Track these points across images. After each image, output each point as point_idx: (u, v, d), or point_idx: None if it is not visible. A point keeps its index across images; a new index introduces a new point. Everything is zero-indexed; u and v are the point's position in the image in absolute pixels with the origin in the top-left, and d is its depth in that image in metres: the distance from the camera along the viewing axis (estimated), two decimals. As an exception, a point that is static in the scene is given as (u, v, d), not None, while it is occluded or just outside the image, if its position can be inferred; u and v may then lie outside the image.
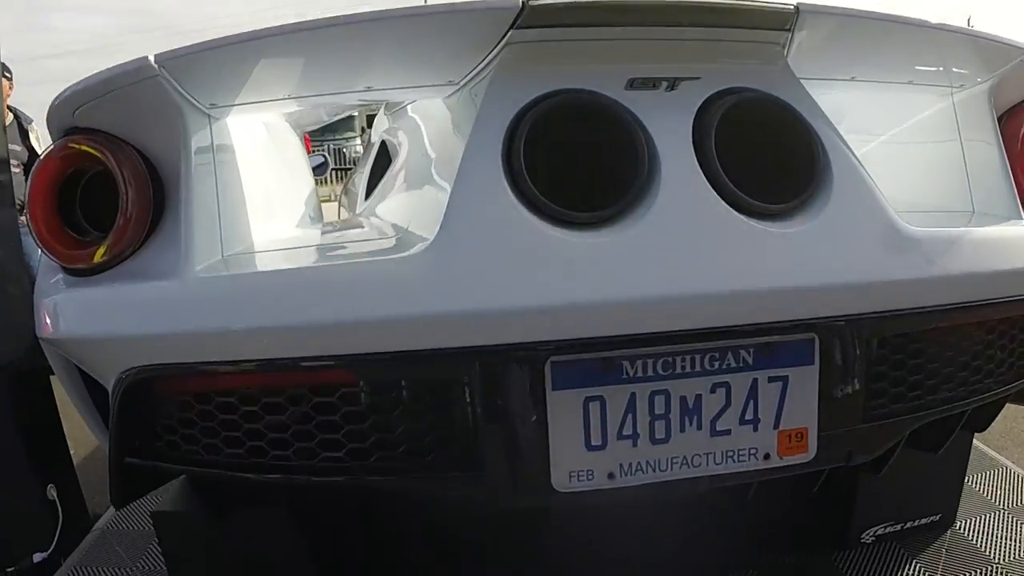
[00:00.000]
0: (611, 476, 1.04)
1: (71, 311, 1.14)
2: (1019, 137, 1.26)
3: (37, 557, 1.80)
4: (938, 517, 1.59)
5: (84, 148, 1.18)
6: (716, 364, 1.03)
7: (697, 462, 1.05)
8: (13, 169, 2.36)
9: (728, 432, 1.05)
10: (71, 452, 2.05)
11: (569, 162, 1.03)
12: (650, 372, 1.02)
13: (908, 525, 1.56)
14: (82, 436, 1.89)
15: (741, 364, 1.04)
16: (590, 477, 1.04)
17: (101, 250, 1.17)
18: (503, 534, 1.35)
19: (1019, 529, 1.63)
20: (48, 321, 1.17)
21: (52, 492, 1.87)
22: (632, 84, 1.04)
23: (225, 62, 1.12)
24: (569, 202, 0.99)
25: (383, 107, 2.36)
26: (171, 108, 1.12)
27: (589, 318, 0.97)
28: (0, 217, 1.85)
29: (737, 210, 1.01)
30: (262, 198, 1.35)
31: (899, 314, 1.07)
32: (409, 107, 1.80)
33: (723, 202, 1.01)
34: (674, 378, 1.03)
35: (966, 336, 1.17)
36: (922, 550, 1.53)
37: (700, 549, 1.57)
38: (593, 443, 1.03)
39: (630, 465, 1.04)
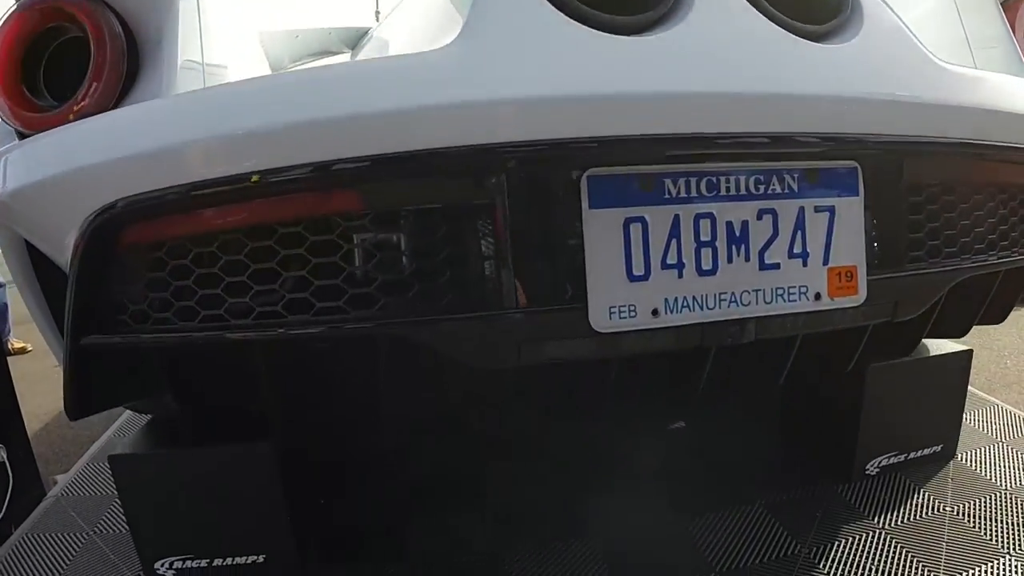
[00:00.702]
0: (655, 313, 0.92)
1: (30, 156, 0.98)
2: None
3: (-14, 524, 1.57)
4: (940, 448, 1.53)
5: (57, 5, 1.04)
6: (762, 188, 0.95)
7: (746, 300, 0.95)
8: None
9: (777, 266, 0.96)
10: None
11: None
12: (694, 192, 0.92)
13: (912, 456, 1.50)
14: (32, 408, 1.69)
15: (787, 190, 0.96)
16: (632, 313, 0.91)
17: (68, 116, 1.02)
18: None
19: (1021, 459, 1.59)
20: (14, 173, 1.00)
21: (2, 454, 1.65)
22: None
23: None
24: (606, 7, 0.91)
25: None
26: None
27: (627, 113, 0.87)
28: None
29: (775, 24, 0.95)
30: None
31: (935, 144, 1.02)
32: None
33: (762, 16, 0.95)
34: (719, 200, 0.93)
35: (1001, 191, 1.13)
36: (927, 480, 1.48)
37: (708, 482, 1.49)
38: (635, 273, 0.91)
39: (676, 300, 0.93)
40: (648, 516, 1.38)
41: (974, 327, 1.44)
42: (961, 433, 1.60)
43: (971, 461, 1.56)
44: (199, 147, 0.86)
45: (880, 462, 1.47)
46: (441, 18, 1.12)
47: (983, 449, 1.63)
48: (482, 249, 0.89)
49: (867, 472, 1.46)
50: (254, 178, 0.85)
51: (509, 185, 0.87)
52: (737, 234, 0.94)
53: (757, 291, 0.95)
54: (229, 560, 1.31)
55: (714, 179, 0.93)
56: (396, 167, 0.85)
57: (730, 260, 0.94)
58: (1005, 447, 1.65)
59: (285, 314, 0.91)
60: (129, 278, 0.97)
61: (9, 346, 4.14)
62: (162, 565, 1.30)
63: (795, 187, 0.96)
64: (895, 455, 1.49)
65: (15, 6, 1.08)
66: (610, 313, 0.90)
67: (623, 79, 0.86)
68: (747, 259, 0.94)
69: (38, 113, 1.05)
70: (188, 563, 1.30)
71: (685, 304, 0.93)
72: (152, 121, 0.91)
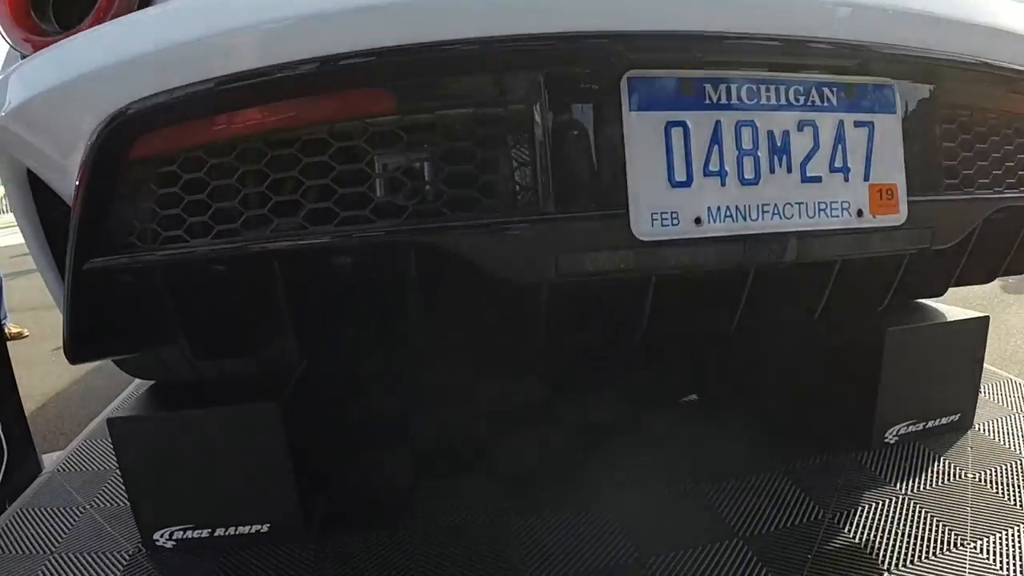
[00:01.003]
0: (698, 221, 0.88)
1: (33, 70, 0.93)
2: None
3: (-21, 500, 1.48)
4: (957, 417, 1.50)
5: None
6: (801, 99, 0.93)
7: (789, 212, 0.92)
8: None
9: (819, 180, 0.93)
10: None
11: None
12: (734, 99, 0.90)
13: (930, 424, 1.47)
14: (28, 391, 1.62)
15: (826, 103, 0.94)
16: (675, 221, 0.88)
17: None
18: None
19: (1040, 430, 1.57)
20: (10, 94, 0.95)
21: None
22: None
23: None
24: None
25: None
26: None
27: (668, 6, 0.85)
28: None
29: None
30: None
31: (975, 67, 1.01)
32: None
33: None
34: (759, 109, 0.90)
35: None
36: (946, 448, 1.45)
37: (728, 450, 1.45)
38: (677, 178, 0.88)
39: (718, 209, 0.89)
40: (666, 484, 1.32)
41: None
42: (977, 405, 1.57)
43: (989, 431, 1.53)
44: (220, 39, 0.82)
45: (899, 430, 1.44)
46: None
47: (1000, 419, 1.60)
48: (518, 153, 0.85)
49: (886, 440, 1.43)
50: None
51: (546, 84, 0.84)
52: (779, 144, 0.91)
53: (800, 204, 0.92)
54: (232, 530, 1.23)
55: (754, 87, 0.90)
56: (429, 61, 0.82)
57: (772, 171, 0.91)
58: (1022, 418, 1.62)
59: (307, 225, 0.87)
60: (139, 194, 0.92)
61: (6, 332, 4.06)
62: (161, 535, 1.22)
63: (834, 100, 0.94)
64: (913, 423, 1.46)
65: None
66: (652, 220, 0.87)
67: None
68: (789, 170, 0.92)
69: (48, 36, 1.02)
70: (189, 533, 1.22)
71: (728, 214, 0.90)
72: (165, 16, 0.87)
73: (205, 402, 1.25)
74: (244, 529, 1.23)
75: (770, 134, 0.91)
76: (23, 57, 1.05)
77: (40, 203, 1.10)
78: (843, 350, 1.43)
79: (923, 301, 1.53)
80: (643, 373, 1.22)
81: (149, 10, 0.90)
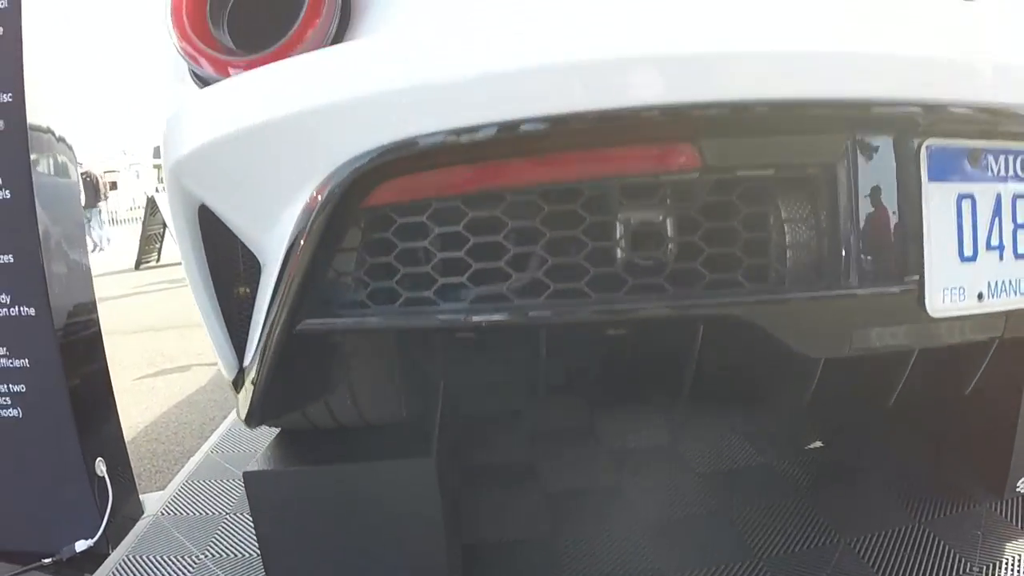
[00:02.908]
0: (980, 297, 0.87)
1: (245, 97, 0.81)
2: None
3: (80, 545, 1.39)
4: None
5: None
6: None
7: (1051, 285, 0.91)
8: None
9: (1077, 251, 0.93)
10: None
11: None
12: (1011, 171, 0.88)
13: None
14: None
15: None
16: (962, 297, 0.85)
17: (275, 54, 0.87)
18: None
19: None
20: (196, 128, 0.83)
21: (101, 467, 1.43)
22: None
23: None
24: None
25: None
26: None
27: (970, 77, 0.82)
28: (66, 184, 1.61)
29: None
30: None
31: None
32: None
33: None
34: (1033, 180, 0.89)
35: None
36: None
37: (864, 502, 1.44)
38: (966, 253, 0.85)
39: (997, 284, 0.88)
40: (813, 537, 1.32)
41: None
42: None
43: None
44: (513, 77, 0.73)
45: None
46: None
47: None
48: (819, 221, 0.81)
49: (1018, 489, 1.45)
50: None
51: (852, 150, 0.80)
52: (1047, 216, 0.90)
53: (1058, 278, 0.92)
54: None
55: (1027, 158, 0.89)
56: (741, 118, 0.76)
57: (1040, 243, 0.90)
58: None
59: (590, 293, 0.79)
60: (380, 248, 0.83)
61: None
62: (300, 594, 1.12)
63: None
64: None
65: None
66: (943, 295, 0.84)
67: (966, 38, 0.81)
68: (1054, 243, 0.91)
69: (238, 57, 0.90)
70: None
71: (1004, 288, 0.88)
72: (440, 46, 0.77)
73: (352, 455, 1.16)
74: None
75: (1040, 207, 0.90)
76: (196, 77, 0.93)
77: (208, 237, 0.98)
78: (979, 398, 1.45)
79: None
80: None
81: (412, 34, 0.80)
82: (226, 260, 0.98)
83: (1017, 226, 0.89)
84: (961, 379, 1.12)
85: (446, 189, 0.80)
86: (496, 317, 0.79)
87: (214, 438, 1.74)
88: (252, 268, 0.96)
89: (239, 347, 0.98)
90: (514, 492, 1.41)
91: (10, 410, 1.38)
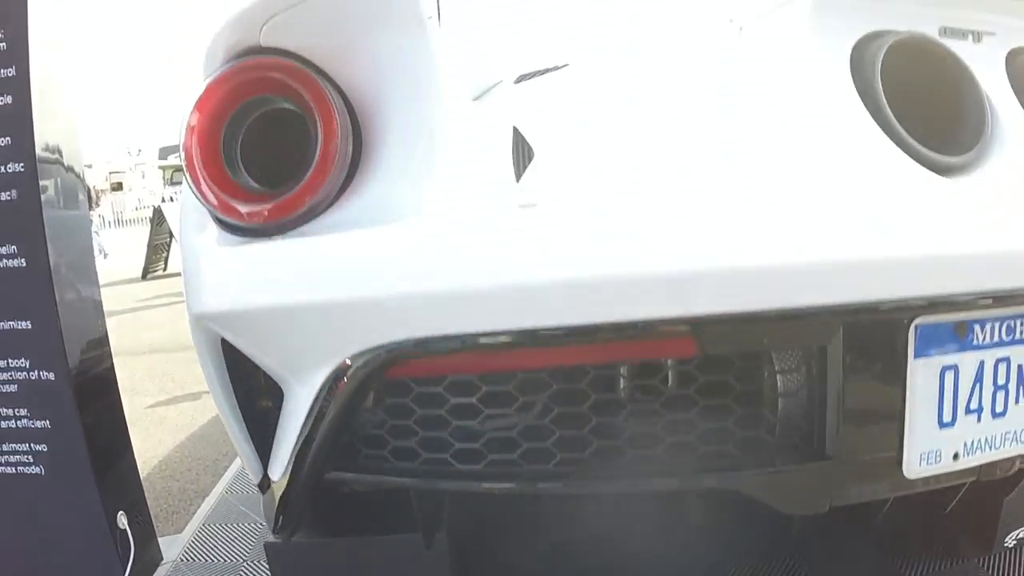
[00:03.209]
0: (955, 456, 0.92)
1: (272, 272, 0.85)
2: None
3: (104, 597, 1.44)
4: None
5: (272, 75, 0.91)
6: (1049, 330, 0.96)
7: (1024, 437, 0.97)
8: None
9: (1053, 403, 0.98)
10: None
11: (909, 103, 0.93)
12: (996, 338, 0.92)
13: None
14: None
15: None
16: (937, 459, 0.91)
17: (286, 202, 0.90)
18: None
19: None
20: (224, 291, 0.87)
21: (123, 520, 1.49)
22: (944, 32, 0.97)
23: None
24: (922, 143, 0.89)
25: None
26: (409, 18, 0.89)
27: (971, 269, 0.86)
28: (74, 216, 1.61)
29: None
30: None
31: None
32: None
33: None
34: (1015, 343, 0.94)
35: None
36: None
37: (851, 557, 1.50)
38: (945, 420, 0.91)
39: (973, 443, 0.93)
40: None
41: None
42: None
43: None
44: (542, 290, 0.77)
45: (1018, 534, 1.52)
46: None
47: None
48: (810, 397, 0.86)
49: (1006, 544, 1.51)
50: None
51: (844, 336, 0.84)
52: (1025, 376, 0.95)
53: (1035, 428, 0.97)
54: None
55: (1013, 323, 0.93)
56: (739, 327, 0.81)
57: (1017, 401, 0.95)
58: None
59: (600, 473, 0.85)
60: (401, 413, 0.88)
61: None
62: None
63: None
64: None
65: (215, 77, 0.94)
66: (920, 459, 0.90)
67: (970, 232, 0.84)
68: (1031, 399, 0.96)
69: (254, 204, 0.92)
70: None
71: (979, 446, 0.94)
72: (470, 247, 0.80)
73: (375, 527, 1.21)
74: None
75: (1020, 368, 0.94)
76: (218, 220, 0.95)
77: (230, 358, 1.02)
78: None
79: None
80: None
81: (443, 242, 0.82)
82: (248, 377, 1.02)
83: (997, 388, 0.93)
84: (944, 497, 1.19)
85: (462, 369, 0.86)
86: (506, 484, 0.86)
87: (227, 477, 1.81)
88: (275, 384, 1.01)
89: (263, 455, 1.04)
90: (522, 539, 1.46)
91: (32, 467, 1.45)
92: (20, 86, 1.39)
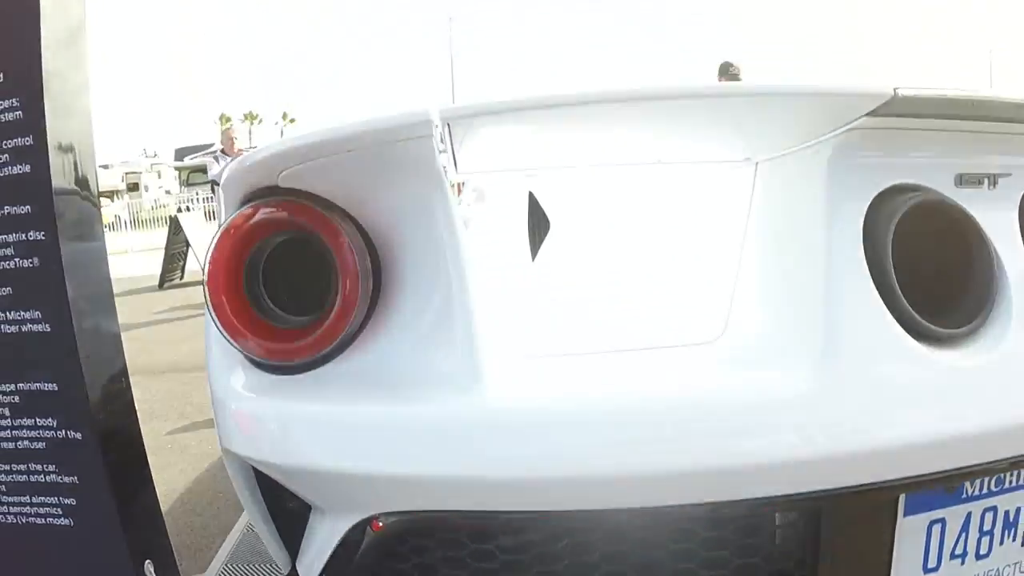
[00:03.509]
0: (938, 601, 0.98)
1: (300, 434, 0.90)
2: None
3: (133, 649, 1.48)
4: None
5: (292, 217, 0.93)
6: (1033, 477, 1.00)
7: (1007, 573, 1.02)
8: None
9: (1034, 542, 1.03)
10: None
11: (918, 268, 0.94)
12: (985, 490, 0.97)
13: None
14: None
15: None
16: (921, 601, 0.97)
17: (308, 342, 0.94)
18: None
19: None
20: (254, 440, 0.92)
21: (150, 568, 1.52)
22: (961, 180, 0.98)
23: (503, 124, 0.92)
24: (925, 314, 0.91)
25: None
26: (430, 172, 0.91)
27: (970, 448, 0.89)
28: (92, 247, 1.58)
29: None
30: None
31: None
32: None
33: None
34: (1003, 493, 0.98)
35: None
36: None
37: None
38: (929, 566, 0.96)
39: (955, 584, 0.98)
40: None
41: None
42: None
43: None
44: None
45: None
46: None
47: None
48: (798, 557, 0.91)
49: None
50: None
51: (835, 508, 0.89)
52: (1011, 520, 0.99)
53: (1016, 563, 1.02)
54: None
55: (1002, 475, 0.97)
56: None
57: (1001, 543, 1.00)
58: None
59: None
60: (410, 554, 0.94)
61: None
62: None
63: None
64: None
65: (235, 217, 0.96)
66: (896, 604, 0.96)
67: (971, 413, 0.88)
68: (1013, 540, 1.00)
69: (276, 342, 0.96)
70: None
71: (961, 585, 0.99)
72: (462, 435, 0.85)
73: None
74: None
75: (1006, 514, 0.99)
76: (263, 367, 0.98)
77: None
78: None
79: None
80: None
81: (458, 414, 0.86)
82: (277, 487, 1.08)
83: (983, 534, 0.98)
84: None
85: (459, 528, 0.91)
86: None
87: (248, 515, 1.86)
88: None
89: (292, 551, 1.11)
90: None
91: (62, 519, 1.52)
92: (38, 155, 1.40)
